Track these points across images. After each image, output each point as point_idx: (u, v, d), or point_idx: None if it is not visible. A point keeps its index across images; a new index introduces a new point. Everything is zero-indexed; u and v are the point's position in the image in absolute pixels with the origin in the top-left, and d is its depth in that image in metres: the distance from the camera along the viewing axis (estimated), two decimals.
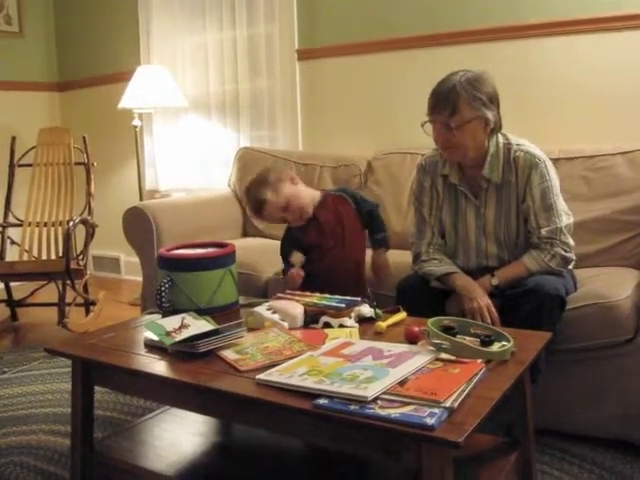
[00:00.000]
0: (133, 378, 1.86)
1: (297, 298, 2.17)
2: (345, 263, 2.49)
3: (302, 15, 4.01)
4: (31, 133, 4.46)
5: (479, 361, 1.66)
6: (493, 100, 2.31)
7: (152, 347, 1.94)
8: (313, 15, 3.98)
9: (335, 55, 3.94)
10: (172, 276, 2.19)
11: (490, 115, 2.29)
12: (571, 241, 2.35)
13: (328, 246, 2.49)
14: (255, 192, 2.53)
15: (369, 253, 2.59)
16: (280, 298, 2.20)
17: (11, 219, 4.28)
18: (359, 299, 2.13)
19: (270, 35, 4.12)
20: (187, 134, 4.58)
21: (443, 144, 2.34)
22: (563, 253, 2.31)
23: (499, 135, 2.39)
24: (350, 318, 2.05)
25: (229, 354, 1.81)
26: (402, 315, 2.11)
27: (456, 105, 2.25)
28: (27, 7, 5.24)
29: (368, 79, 3.85)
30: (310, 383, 1.54)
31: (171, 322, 1.97)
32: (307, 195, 2.54)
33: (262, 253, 3.27)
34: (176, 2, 4.49)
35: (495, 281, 2.33)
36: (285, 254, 2.59)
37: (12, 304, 4.21)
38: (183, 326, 1.94)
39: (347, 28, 3.87)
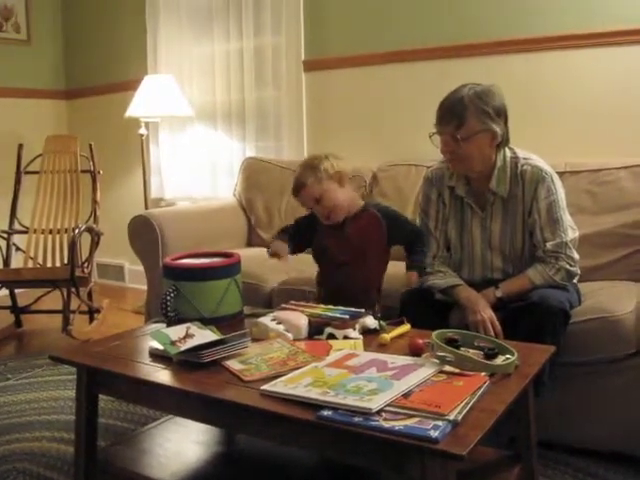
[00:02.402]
0: (137, 387, 1.86)
1: (301, 309, 2.18)
2: (356, 282, 2.40)
3: (309, 26, 4.03)
4: (38, 140, 4.48)
5: (483, 374, 1.66)
6: (501, 114, 2.32)
7: (157, 356, 1.95)
8: (320, 26, 4.00)
9: (341, 66, 3.95)
10: (177, 285, 2.20)
11: (497, 129, 2.30)
12: (576, 255, 2.35)
13: (340, 261, 2.42)
14: (301, 172, 2.45)
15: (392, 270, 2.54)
16: (285, 309, 2.21)
17: (17, 226, 4.30)
18: (363, 311, 2.14)
19: (277, 46, 4.14)
20: (193, 143, 4.60)
21: (449, 156, 2.35)
22: (568, 267, 2.31)
23: (507, 149, 2.39)
24: (354, 330, 2.05)
25: (233, 364, 1.82)
26: (406, 327, 2.11)
27: (463, 117, 2.26)
28: (35, 15, 5.27)
29: (374, 91, 3.87)
30: (314, 394, 1.54)
31: (176, 331, 1.98)
32: (344, 200, 2.43)
33: (267, 263, 3.26)
34: (184, 12, 4.51)
35: (499, 293, 2.34)
36: (291, 227, 2.56)
37: (16, 311, 4.21)
38: (188, 335, 1.95)
39: (353, 40, 3.89)
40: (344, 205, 2.43)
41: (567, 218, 2.38)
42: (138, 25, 4.81)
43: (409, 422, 1.41)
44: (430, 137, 2.35)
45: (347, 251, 2.42)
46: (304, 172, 2.44)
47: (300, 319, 2.09)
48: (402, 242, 2.46)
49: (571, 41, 3.20)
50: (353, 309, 2.13)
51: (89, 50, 5.32)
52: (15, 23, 5.15)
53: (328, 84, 4.04)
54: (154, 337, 1.97)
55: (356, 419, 1.43)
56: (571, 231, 2.38)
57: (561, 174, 2.68)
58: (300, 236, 2.54)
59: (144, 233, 3.37)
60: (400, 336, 2.05)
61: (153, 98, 4.26)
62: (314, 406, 1.51)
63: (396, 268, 2.58)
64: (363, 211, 2.47)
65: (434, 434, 1.34)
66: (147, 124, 4.57)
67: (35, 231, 4.27)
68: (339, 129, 4.02)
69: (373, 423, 1.41)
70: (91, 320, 4.05)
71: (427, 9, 3.61)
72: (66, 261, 4.08)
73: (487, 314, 2.25)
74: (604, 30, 3.11)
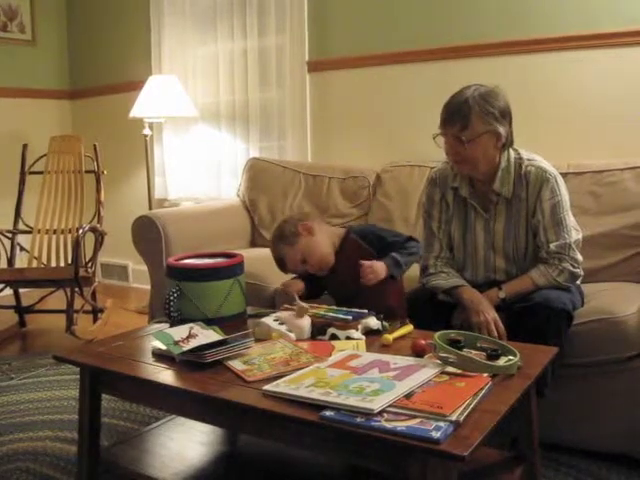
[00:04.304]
0: (140, 387, 1.87)
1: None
2: (372, 308, 2.23)
3: (313, 27, 4.03)
4: (42, 141, 4.49)
5: (485, 375, 1.66)
6: (505, 115, 2.32)
7: (160, 356, 1.95)
8: (324, 27, 4.00)
9: (345, 67, 3.96)
10: (181, 285, 2.20)
11: (502, 130, 2.30)
12: (579, 257, 2.35)
13: (347, 296, 2.39)
14: (274, 248, 2.52)
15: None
16: (288, 309, 2.21)
17: (21, 226, 4.31)
18: (366, 311, 2.14)
19: (281, 46, 4.14)
20: (197, 144, 4.60)
21: (454, 157, 2.35)
22: (571, 269, 2.31)
23: (511, 150, 2.39)
24: (357, 330, 2.06)
25: (236, 364, 1.82)
26: (409, 328, 2.11)
27: (468, 119, 2.26)
28: (40, 15, 5.28)
29: (378, 91, 3.87)
30: (317, 395, 1.55)
31: (179, 331, 1.99)
32: (325, 245, 2.45)
33: (270, 264, 3.24)
34: (188, 12, 4.52)
35: (502, 294, 2.33)
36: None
37: (20, 310, 4.23)
38: (191, 336, 1.95)
39: (357, 40, 3.89)
40: (328, 249, 2.46)
41: (571, 219, 2.38)
42: (142, 25, 4.82)
43: (411, 423, 1.41)
44: (434, 138, 2.35)
45: (347, 285, 2.42)
46: (276, 246, 2.52)
47: (303, 320, 2.09)
48: (389, 253, 2.40)
49: (574, 42, 3.20)
50: (356, 310, 2.14)
51: (93, 50, 5.33)
52: (20, 23, 5.16)
53: (332, 85, 4.04)
54: (157, 337, 1.98)
55: (358, 420, 1.44)
56: (575, 232, 2.37)
57: (564, 175, 2.67)
58: (315, 283, 2.55)
59: (148, 233, 3.38)
60: (402, 337, 2.05)
61: (157, 98, 4.27)
62: (316, 406, 1.51)
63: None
64: (346, 241, 2.49)
65: (436, 435, 1.35)
66: (151, 124, 4.58)
67: (39, 231, 4.28)
68: (343, 130, 4.02)
69: (375, 424, 1.41)
70: (95, 320, 4.05)
71: (431, 10, 3.61)
72: (70, 261, 4.09)
73: (491, 315, 2.25)
74: (608, 31, 3.10)
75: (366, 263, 2.32)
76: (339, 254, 2.47)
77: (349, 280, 2.37)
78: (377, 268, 2.32)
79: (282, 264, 2.52)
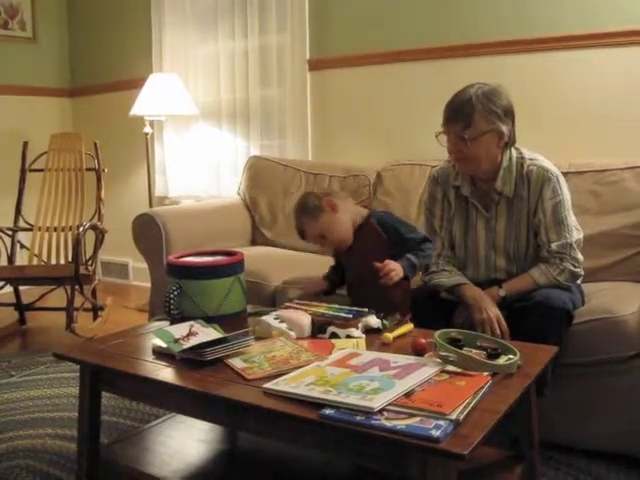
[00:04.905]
0: (140, 384, 1.87)
1: (305, 308, 2.19)
2: (374, 296, 2.29)
3: (314, 25, 4.03)
4: (43, 138, 4.48)
5: (485, 374, 1.66)
6: (508, 114, 2.32)
7: (160, 354, 1.95)
8: (325, 26, 4.00)
9: (346, 66, 3.96)
10: (181, 283, 2.20)
11: (505, 129, 2.30)
12: (580, 256, 2.35)
13: (354, 277, 2.44)
14: (296, 218, 2.52)
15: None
16: (288, 307, 2.21)
17: (21, 223, 4.31)
18: (366, 310, 2.14)
19: (282, 45, 4.14)
20: (197, 142, 4.61)
21: (456, 156, 2.35)
22: (572, 268, 2.31)
23: (513, 149, 2.39)
24: (357, 329, 2.06)
25: (236, 362, 1.82)
26: (409, 326, 2.11)
27: (471, 117, 2.26)
28: (41, 13, 5.28)
29: (378, 90, 3.87)
30: (317, 393, 1.55)
31: (179, 329, 1.98)
32: (346, 224, 2.45)
33: (271, 262, 3.28)
34: (189, 11, 4.52)
35: (502, 292, 2.33)
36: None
37: (21, 308, 4.22)
38: (191, 334, 1.95)
39: (358, 39, 3.89)
40: (347, 228, 2.46)
41: (572, 219, 2.38)
42: (143, 23, 4.82)
43: (411, 421, 1.41)
44: (436, 137, 2.35)
45: (357, 267, 2.44)
46: (298, 217, 2.51)
47: (303, 318, 2.09)
48: (404, 251, 2.39)
49: (575, 41, 3.19)
50: (356, 308, 2.14)
51: (94, 48, 5.32)
52: (20, 21, 5.16)
53: (333, 83, 4.04)
54: (157, 335, 1.98)
55: (358, 418, 1.44)
56: (576, 232, 2.37)
57: (565, 174, 2.66)
58: (338, 272, 2.58)
59: (148, 231, 3.38)
60: (403, 335, 2.05)
61: (158, 97, 4.27)
62: (316, 405, 1.51)
63: None
64: (366, 223, 2.48)
65: (436, 433, 1.35)
66: (152, 123, 4.58)
67: (40, 229, 4.29)
68: (343, 128, 4.02)
69: (375, 422, 1.42)
70: (95, 318, 4.05)
71: (432, 9, 3.61)
72: (70, 259, 4.09)
73: (494, 312, 2.25)
74: (609, 30, 3.10)
75: (390, 264, 2.29)
76: (357, 233, 2.47)
77: (359, 261, 2.40)
78: (398, 271, 2.30)
79: (302, 234, 2.52)
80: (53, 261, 4.21)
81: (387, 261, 2.30)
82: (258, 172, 3.92)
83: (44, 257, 4.22)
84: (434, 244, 2.50)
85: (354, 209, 2.55)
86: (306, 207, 2.47)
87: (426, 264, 2.46)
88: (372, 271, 2.30)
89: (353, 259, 2.48)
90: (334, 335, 2.04)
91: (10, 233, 4.20)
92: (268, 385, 1.63)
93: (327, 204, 2.44)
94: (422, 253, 2.39)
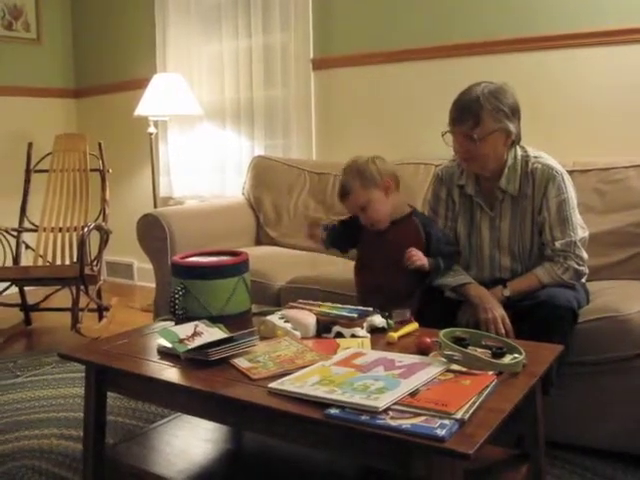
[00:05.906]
0: (146, 384, 1.87)
1: (309, 307, 2.19)
2: (391, 288, 2.36)
3: (317, 24, 4.03)
4: (47, 139, 4.50)
5: (490, 373, 1.66)
6: (515, 112, 2.32)
7: (165, 354, 1.95)
8: (328, 25, 4.00)
9: (350, 65, 3.96)
10: (186, 284, 2.20)
11: (512, 127, 2.30)
12: (585, 255, 2.34)
13: (377, 265, 2.42)
14: (346, 177, 2.43)
15: None
16: (293, 307, 2.21)
17: (26, 224, 4.32)
18: (371, 309, 2.14)
19: (285, 44, 4.14)
20: (202, 142, 4.61)
21: (463, 155, 2.35)
22: (576, 267, 2.31)
23: (517, 147, 2.39)
24: (362, 328, 2.06)
25: (241, 362, 1.82)
26: (414, 326, 2.11)
27: (479, 116, 2.25)
28: (45, 14, 5.29)
29: (382, 89, 3.86)
30: (321, 393, 1.55)
31: (184, 329, 1.98)
32: (389, 209, 2.41)
33: (275, 261, 3.28)
34: (193, 11, 4.52)
35: (507, 292, 2.33)
36: (335, 227, 2.54)
37: (26, 308, 4.24)
38: (196, 334, 1.95)
39: (362, 38, 3.89)
40: (387, 215, 2.42)
41: (577, 217, 2.37)
42: (147, 23, 4.82)
43: (416, 421, 1.41)
44: (443, 136, 2.34)
45: (384, 257, 2.42)
46: (350, 177, 2.41)
47: (308, 317, 2.09)
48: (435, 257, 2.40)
49: (579, 39, 3.19)
50: (361, 307, 2.14)
51: (98, 49, 5.34)
52: (25, 22, 5.17)
53: (336, 82, 4.04)
54: (162, 335, 1.98)
55: (363, 417, 1.43)
56: (581, 230, 2.37)
57: (570, 173, 2.65)
58: (346, 236, 2.54)
59: (153, 231, 3.38)
60: (408, 335, 2.05)
61: (162, 97, 4.27)
62: (321, 404, 1.51)
63: None
64: (408, 218, 2.46)
65: (441, 433, 1.34)
66: (156, 123, 4.58)
67: (45, 229, 4.29)
68: (347, 127, 4.02)
69: (380, 422, 1.41)
70: (100, 318, 4.06)
71: (435, 7, 3.61)
72: (75, 259, 4.09)
73: (498, 312, 2.24)
74: (613, 28, 3.09)
75: (419, 252, 2.32)
76: (394, 224, 2.44)
77: (390, 247, 2.38)
78: (423, 260, 2.33)
79: (344, 196, 2.44)
80: (58, 262, 4.22)
81: (417, 250, 2.33)
82: (262, 172, 3.93)
83: (49, 258, 4.23)
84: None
85: (401, 199, 2.49)
86: (362, 173, 2.39)
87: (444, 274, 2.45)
88: (398, 257, 2.31)
89: (384, 244, 2.43)
90: (339, 334, 2.04)
91: (15, 234, 4.21)
92: (273, 385, 1.63)
93: (385, 183, 2.39)
94: (450, 264, 2.41)
